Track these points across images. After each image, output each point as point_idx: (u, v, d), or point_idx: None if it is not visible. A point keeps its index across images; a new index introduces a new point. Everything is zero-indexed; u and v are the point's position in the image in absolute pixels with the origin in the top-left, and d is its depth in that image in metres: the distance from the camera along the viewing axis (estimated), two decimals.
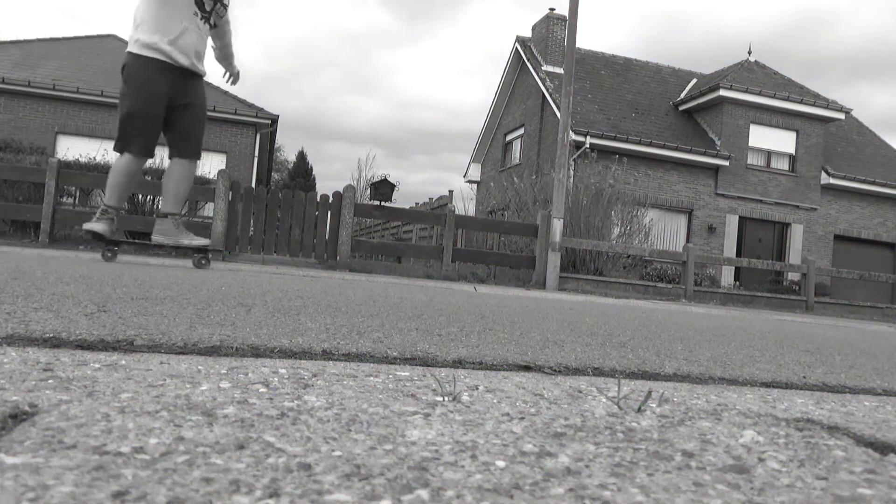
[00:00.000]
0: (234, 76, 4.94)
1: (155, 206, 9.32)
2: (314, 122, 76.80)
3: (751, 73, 19.02)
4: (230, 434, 0.69)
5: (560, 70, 18.50)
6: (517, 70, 21.16)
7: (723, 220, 17.93)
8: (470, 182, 24.18)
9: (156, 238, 4.57)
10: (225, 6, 4.55)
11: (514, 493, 0.58)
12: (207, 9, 4.41)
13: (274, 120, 17.77)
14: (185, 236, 4.55)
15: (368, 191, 26.01)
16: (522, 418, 0.89)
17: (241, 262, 7.32)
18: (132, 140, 4.26)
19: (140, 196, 9.09)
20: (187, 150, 4.47)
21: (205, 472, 0.56)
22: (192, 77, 4.42)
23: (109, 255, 4.52)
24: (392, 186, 19.53)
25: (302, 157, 36.98)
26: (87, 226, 4.39)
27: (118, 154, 4.33)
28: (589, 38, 75.12)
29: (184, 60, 4.31)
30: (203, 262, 4.67)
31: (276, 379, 1.03)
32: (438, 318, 2.26)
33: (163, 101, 4.28)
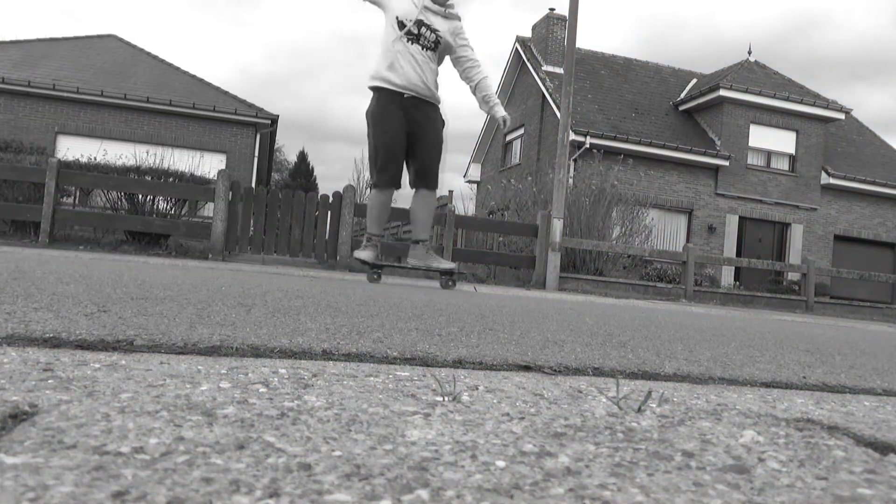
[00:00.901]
0: (502, 120, 4.85)
1: (155, 206, 9.32)
2: (315, 123, 76.87)
3: (751, 73, 19.02)
4: (230, 434, 0.69)
5: (560, 70, 18.49)
6: (517, 70, 21.17)
7: (723, 220, 17.93)
8: (470, 182, 24.18)
9: (410, 262, 4.98)
10: (430, 27, 4.55)
11: (514, 493, 0.58)
12: (415, 32, 4.51)
13: (274, 120, 17.77)
14: (434, 260, 4.93)
15: (368, 191, 26.00)
16: (522, 418, 0.89)
17: (241, 262, 7.32)
18: (377, 174, 4.62)
19: (140, 196, 9.09)
20: (427, 182, 4.74)
21: (205, 472, 0.56)
22: (422, 105, 4.61)
23: (375, 277, 4.90)
24: None
25: (303, 157, 37.00)
26: (356, 254, 4.86)
27: (374, 188, 4.72)
28: (589, 38, 75.16)
29: (401, 82, 4.49)
30: (450, 283, 5.02)
31: (276, 379, 1.03)
32: (438, 318, 2.26)
33: (398, 132, 4.54)
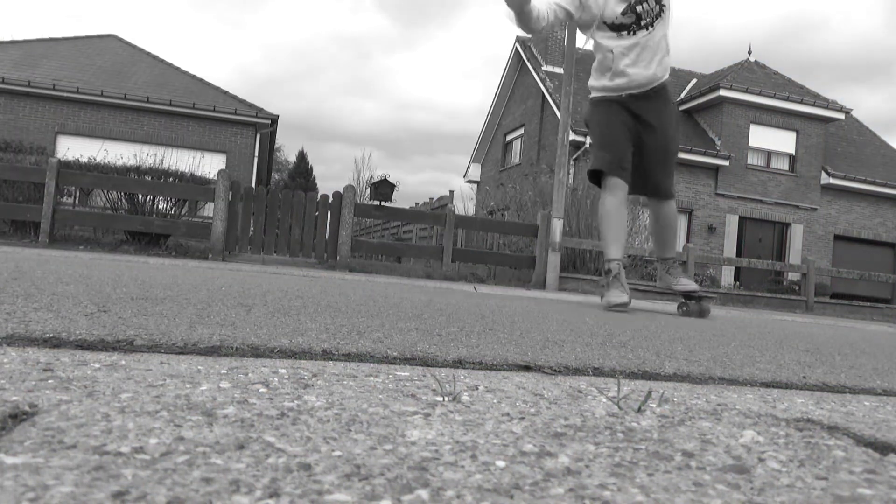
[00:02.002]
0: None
1: (155, 206, 9.32)
2: (314, 124, 76.93)
3: (751, 73, 19.02)
4: (230, 434, 0.69)
5: (560, 70, 18.49)
6: (517, 70, 21.17)
7: (723, 220, 17.93)
8: (470, 182, 24.19)
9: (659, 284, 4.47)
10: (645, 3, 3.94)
11: (514, 493, 0.58)
12: (627, 22, 3.91)
13: (274, 120, 17.78)
14: (675, 282, 4.31)
15: (368, 191, 26.02)
16: (522, 418, 0.89)
17: (241, 262, 7.32)
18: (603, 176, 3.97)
19: (140, 196, 9.09)
20: (656, 192, 4.19)
21: (205, 472, 0.56)
22: (648, 98, 4.02)
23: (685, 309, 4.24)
24: (392, 186, 19.54)
25: (302, 157, 37.02)
26: (604, 302, 3.92)
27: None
28: None
29: (624, 83, 3.98)
30: (691, 307, 4.24)
31: (276, 379, 1.03)
32: (438, 318, 2.26)
33: (623, 132, 3.98)
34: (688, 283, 4.21)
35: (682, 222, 17.85)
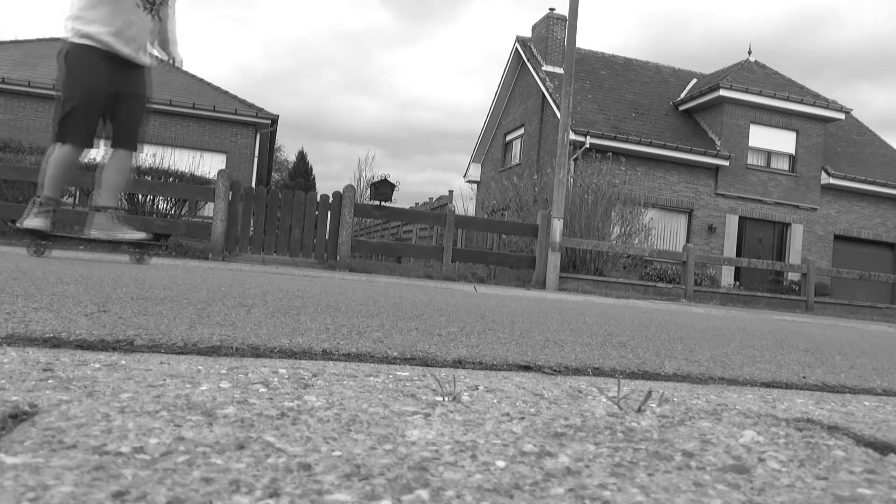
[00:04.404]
0: (174, 61, 4.77)
1: (155, 206, 9.32)
2: (314, 123, 76.90)
3: (751, 73, 19.02)
4: (230, 434, 0.69)
5: (560, 70, 18.49)
6: (517, 70, 21.16)
7: (723, 220, 17.93)
8: (470, 182, 24.17)
9: (92, 233, 4.39)
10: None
11: (514, 493, 0.58)
12: (151, 1, 4.30)
13: (274, 120, 17.78)
14: (120, 230, 4.39)
15: (368, 191, 26.02)
16: (522, 418, 0.89)
17: (241, 262, 7.32)
18: (71, 130, 4.12)
19: (140, 196, 9.09)
20: (126, 141, 4.34)
21: (205, 472, 0.56)
22: (133, 67, 4.32)
23: (35, 250, 4.31)
24: (392, 186, 19.54)
25: (302, 157, 37.00)
26: (26, 223, 4.16)
27: (57, 144, 4.16)
28: (589, 38, 75.18)
29: (125, 50, 4.20)
30: (144, 258, 4.48)
31: (276, 379, 1.03)
32: (438, 318, 2.26)
33: (103, 91, 4.17)
34: (138, 233, 4.47)
35: (682, 222, 17.85)
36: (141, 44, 4.32)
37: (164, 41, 4.68)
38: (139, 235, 4.44)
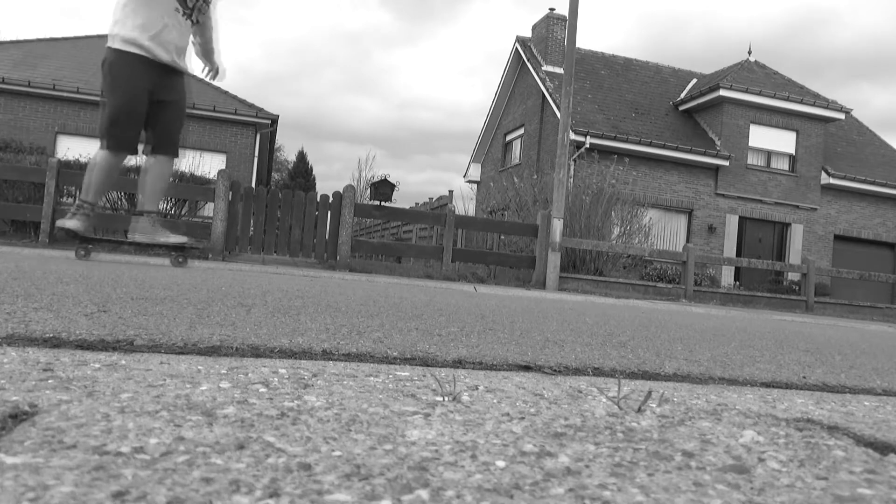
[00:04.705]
0: (215, 71, 4.87)
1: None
2: (314, 123, 76.89)
3: (751, 73, 19.02)
4: (230, 434, 0.69)
5: (560, 70, 18.50)
6: (517, 70, 21.16)
7: (723, 220, 17.93)
8: (470, 182, 24.18)
9: (133, 236, 4.49)
10: (208, 2, 4.50)
11: (514, 493, 0.58)
12: (190, 5, 4.36)
13: (274, 120, 17.78)
14: (162, 234, 4.49)
15: (368, 191, 26.02)
16: (522, 418, 0.89)
17: (241, 262, 7.31)
18: (116, 136, 4.22)
19: (140, 196, 9.08)
20: (168, 147, 4.44)
21: (205, 472, 0.56)
22: (173, 73, 4.40)
23: (83, 253, 4.42)
24: (392, 186, 19.54)
25: (302, 157, 36.99)
26: (60, 223, 4.29)
27: (101, 150, 4.27)
28: (589, 38, 75.23)
29: (165, 56, 4.27)
30: (181, 260, 4.59)
31: (276, 379, 1.03)
32: (438, 318, 2.26)
33: (145, 97, 4.25)
34: (179, 237, 4.58)
35: (682, 222, 17.85)
36: (180, 49, 4.39)
37: (207, 51, 4.76)
38: (180, 239, 4.55)
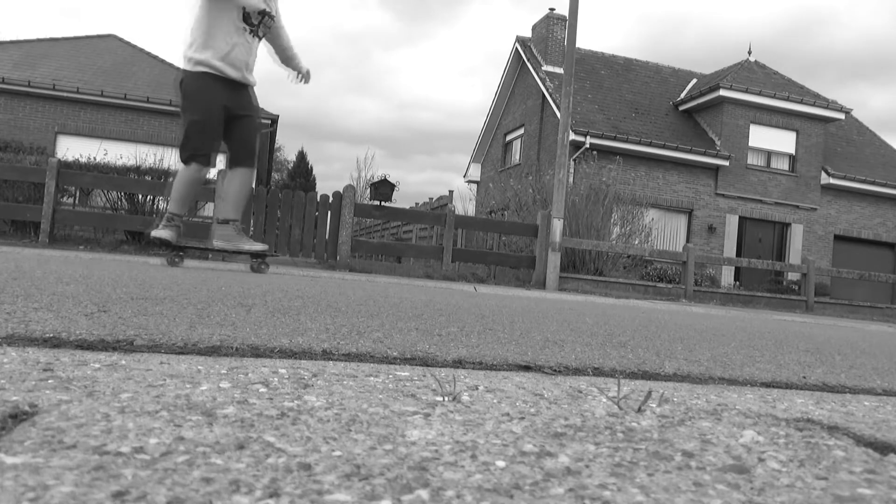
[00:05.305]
0: (305, 75, 5.01)
1: (155, 206, 9.31)
2: (314, 123, 76.85)
3: (751, 73, 19.02)
4: (230, 434, 0.69)
5: (560, 70, 18.49)
6: (517, 70, 21.16)
7: (723, 220, 17.93)
8: (470, 182, 24.17)
9: (217, 244, 4.68)
10: (272, 17, 4.65)
11: (514, 493, 0.58)
12: (255, 22, 4.54)
13: (274, 120, 17.77)
14: (245, 241, 4.69)
15: (368, 191, 26.02)
16: (522, 418, 0.89)
17: (240, 262, 7.31)
18: (194, 151, 4.42)
19: (140, 196, 9.09)
20: (246, 159, 4.63)
21: (205, 472, 0.56)
22: (243, 89, 4.60)
23: (177, 260, 4.67)
24: (392, 186, 19.54)
25: (302, 157, 36.99)
26: (154, 233, 4.52)
27: (183, 164, 4.49)
28: (589, 38, 75.15)
29: (234, 74, 4.46)
30: (262, 266, 4.79)
31: (276, 379, 1.03)
32: (438, 318, 2.26)
33: (221, 113, 4.46)
34: (259, 244, 4.74)
35: (682, 222, 17.85)
36: (248, 66, 4.59)
37: (287, 58, 4.92)
38: (261, 247, 4.74)
